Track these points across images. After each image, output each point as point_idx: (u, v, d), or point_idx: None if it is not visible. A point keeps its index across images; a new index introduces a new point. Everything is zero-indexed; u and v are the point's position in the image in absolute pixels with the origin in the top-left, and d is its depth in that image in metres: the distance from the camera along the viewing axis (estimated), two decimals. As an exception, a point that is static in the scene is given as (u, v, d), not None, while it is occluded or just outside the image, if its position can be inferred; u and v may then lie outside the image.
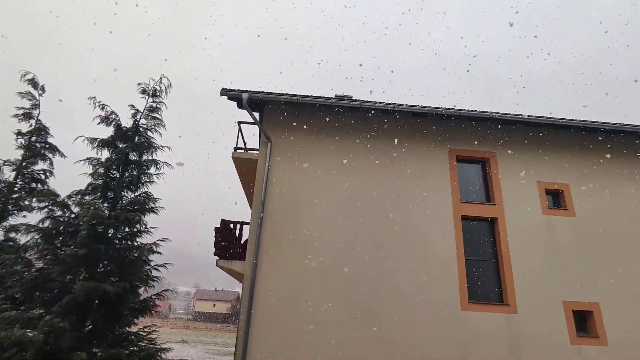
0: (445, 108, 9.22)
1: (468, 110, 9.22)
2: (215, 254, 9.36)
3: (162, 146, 6.84)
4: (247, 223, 9.87)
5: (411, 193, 9.18)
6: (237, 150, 10.33)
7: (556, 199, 9.63)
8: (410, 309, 8.19)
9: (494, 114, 9.28)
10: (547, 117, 9.33)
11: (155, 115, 6.89)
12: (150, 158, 6.63)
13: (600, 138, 9.87)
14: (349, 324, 7.95)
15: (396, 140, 9.60)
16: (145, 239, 6.00)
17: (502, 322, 8.27)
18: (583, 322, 8.56)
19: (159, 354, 4.71)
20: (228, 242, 9.53)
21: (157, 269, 5.50)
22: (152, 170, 6.66)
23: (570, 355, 8.07)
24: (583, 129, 9.56)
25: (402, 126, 9.73)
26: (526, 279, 8.62)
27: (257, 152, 9.97)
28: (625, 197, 9.49)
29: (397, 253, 8.62)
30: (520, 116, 9.31)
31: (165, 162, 6.74)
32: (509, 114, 9.35)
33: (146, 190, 6.41)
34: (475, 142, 9.75)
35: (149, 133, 6.78)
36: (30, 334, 4.23)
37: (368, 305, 8.14)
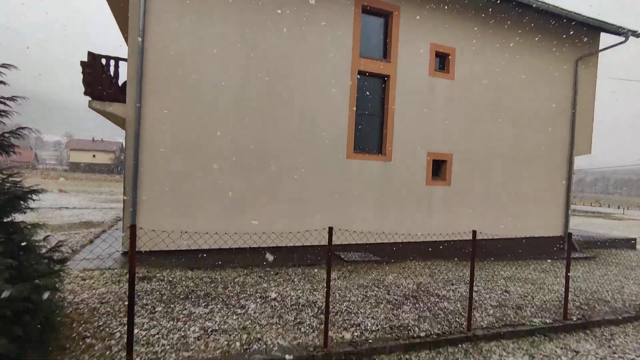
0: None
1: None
2: (86, 93, 8.01)
3: None
4: (123, 59, 8.43)
5: (312, 43, 8.76)
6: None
7: (442, 62, 10.38)
8: (299, 154, 8.77)
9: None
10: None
11: None
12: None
13: (495, 9, 10.36)
14: (240, 171, 8.25)
15: (303, -24, 8.49)
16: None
17: (379, 169, 9.62)
18: (438, 169, 10.54)
19: (29, 196, 4.21)
20: (101, 81, 8.15)
21: (3, 102, 4.44)
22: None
23: (425, 192, 10.14)
24: (481, -7, 9.80)
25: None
26: (403, 133, 9.80)
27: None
28: (502, 68, 10.79)
29: (291, 101, 8.65)
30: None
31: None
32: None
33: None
34: (384, -7, 9.29)
35: None
36: None
37: (259, 150, 8.41)
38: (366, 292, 6.32)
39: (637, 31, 11.03)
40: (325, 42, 8.87)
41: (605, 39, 11.96)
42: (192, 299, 5.40)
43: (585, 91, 12.09)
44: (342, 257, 8.75)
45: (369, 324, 4.89)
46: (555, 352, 4.70)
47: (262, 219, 8.27)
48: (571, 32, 11.46)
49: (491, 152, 10.86)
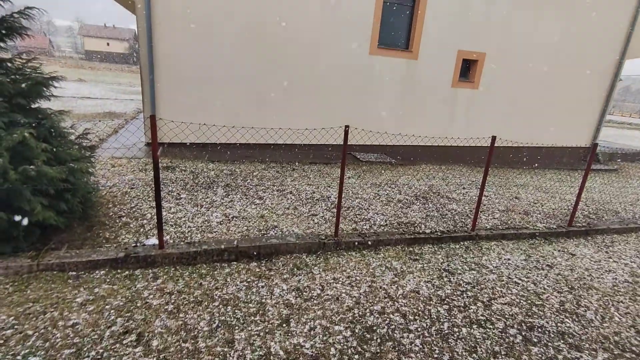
0: None
1: None
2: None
3: None
4: None
5: None
6: None
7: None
8: (321, 49, 8.27)
9: None
10: None
11: None
12: None
13: None
14: (259, 62, 7.92)
15: None
16: None
17: (404, 67, 9.06)
18: (467, 69, 9.84)
19: (50, 82, 4.24)
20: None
21: (7, -20, 4.16)
22: None
23: (449, 94, 9.68)
24: None
25: None
26: (434, 27, 8.93)
27: None
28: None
29: (312, 3, 7.81)
30: None
31: None
32: None
33: None
34: None
35: None
36: None
37: (276, 45, 7.95)
38: (378, 190, 6.58)
39: None
40: None
41: None
42: (214, 189, 5.77)
43: (656, -19, 10.33)
44: (358, 157, 8.89)
45: (378, 220, 5.21)
46: (552, 253, 4.99)
47: (281, 115, 8.24)
48: None
49: (530, 52, 9.92)
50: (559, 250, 5.11)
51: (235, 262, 3.85)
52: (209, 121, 7.32)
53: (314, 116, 8.53)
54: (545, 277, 4.29)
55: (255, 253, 3.99)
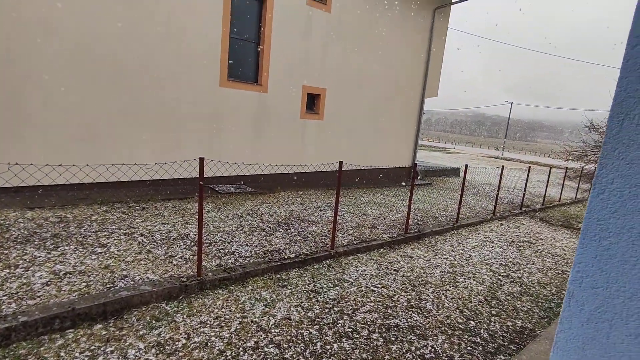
0: None
1: None
2: None
3: None
4: None
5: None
6: None
7: (321, -9, 10.17)
8: (169, 79, 7.83)
9: None
10: None
11: None
12: None
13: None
14: (91, 90, 6.95)
15: None
16: None
17: (253, 99, 9.34)
18: (312, 102, 10.84)
19: None
20: None
21: None
22: None
23: (299, 125, 10.42)
24: None
25: None
26: (279, 63, 9.59)
27: None
28: (372, 4, 11.13)
29: (160, 28, 7.43)
30: None
31: None
32: None
33: None
34: None
35: None
36: None
37: (117, 75, 7.17)
38: (240, 221, 6.46)
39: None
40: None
41: (458, -8, 13.46)
42: (35, 242, 4.63)
43: (437, 40, 13.69)
44: (217, 189, 8.59)
45: (243, 251, 5.09)
46: (397, 259, 5.80)
47: (122, 149, 7.33)
48: (433, -19, 12.46)
49: (361, 89, 11.64)
50: (401, 255, 5.97)
51: (71, 330, 3.13)
52: (24, 159, 5.93)
53: (165, 149, 7.90)
54: (394, 280, 4.93)
55: (99, 312, 3.34)
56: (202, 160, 3.96)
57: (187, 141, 8.29)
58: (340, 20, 10.53)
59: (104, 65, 6.98)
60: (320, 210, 7.91)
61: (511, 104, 52.10)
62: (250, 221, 6.55)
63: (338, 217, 6.87)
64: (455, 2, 13.27)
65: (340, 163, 5.56)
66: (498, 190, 10.23)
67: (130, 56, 7.25)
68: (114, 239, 5.00)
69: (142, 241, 5.06)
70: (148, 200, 7.13)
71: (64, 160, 6.50)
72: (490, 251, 6.86)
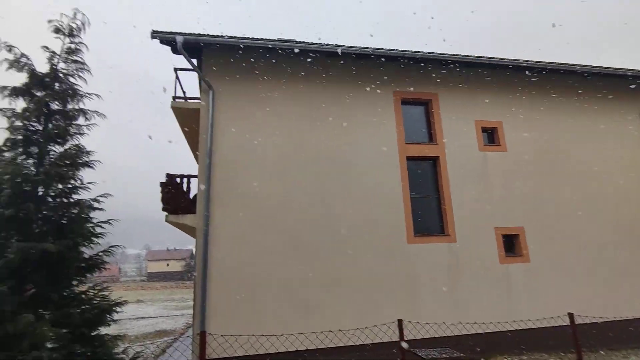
0: (389, 49, 9.20)
1: (411, 51, 9.27)
2: (163, 209, 9.00)
3: (89, 94, 6.09)
4: (194, 176, 9.53)
5: (358, 136, 9.33)
6: (177, 100, 9.67)
7: (491, 136, 10.36)
8: (359, 245, 8.67)
9: (437, 55, 9.47)
10: (482, 57, 9.73)
11: (76, 58, 6.02)
12: (76, 107, 5.92)
13: (532, 77, 10.54)
14: (299, 266, 8.27)
15: (342, 83, 9.52)
16: (83, 196, 5.54)
17: (444, 251, 9.11)
18: (511, 244, 9.71)
19: (114, 308, 4.59)
20: (176, 197, 9.19)
21: (100, 226, 5.15)
22: (81, 120, 5.97)
23: (500, 272, 9.22)
24: (516, 68, 10.11)
25: (348, 69, 9.60)
26: (463, 210, 9.43)
27: (199, 101, 9.39)
28: (552, 133, 10.48)
29: (345, 196, 8.90)
30: (460, 56, 9.61)
31: (95, 111, 6.03)
32: (451, 54, 9.59)
33: (77, 142, 5.80)
34: (418, 84, 9.97)
35: (71, 79, 5.98)
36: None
37: (315, 247, 8.46)
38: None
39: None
40: (372, 135, 9.41)
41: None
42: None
43: (663, 142, 11.07)
44: (419, 354, 7.86)
45: None
46: None
47: (326, 315, 7.96)
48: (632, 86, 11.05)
49: (568, 218, 9.88)
50: None
51: None
52: (257, 331, 7.14)
53: (361, 313, 8.14)
54: None
55: None
56: (400, 322, 3.89)
57: (380, 302, 8.36)
58: (516, 155, 10.10)
59: (311, 248, 8.43)
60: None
61: None
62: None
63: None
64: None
65: (571, 316, 4.42)
66: None
67: (328, 232, 8.59)
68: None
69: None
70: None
71: (286, 330, 7.46)
72: None
